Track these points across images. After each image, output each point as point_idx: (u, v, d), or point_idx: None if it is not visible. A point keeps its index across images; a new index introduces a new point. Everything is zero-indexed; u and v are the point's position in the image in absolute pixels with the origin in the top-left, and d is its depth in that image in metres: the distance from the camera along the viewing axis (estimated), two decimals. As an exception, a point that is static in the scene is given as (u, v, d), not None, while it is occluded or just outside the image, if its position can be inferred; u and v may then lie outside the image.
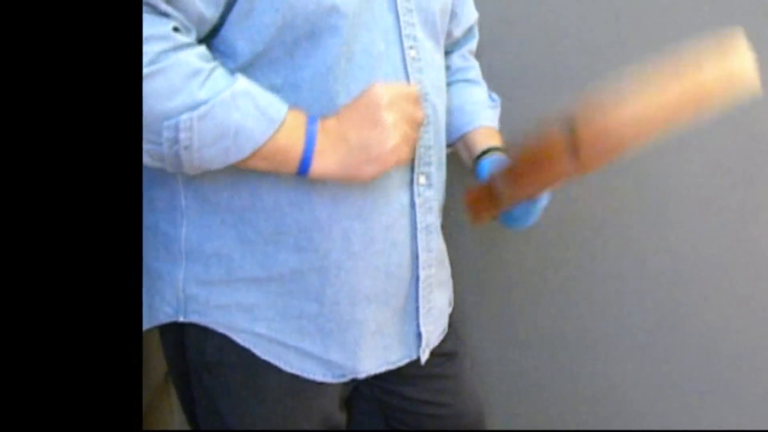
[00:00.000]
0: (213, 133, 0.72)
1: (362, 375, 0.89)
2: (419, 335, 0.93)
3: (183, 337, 0.88)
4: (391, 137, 0.77)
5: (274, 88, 0.77)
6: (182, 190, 0.83)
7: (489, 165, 0.96)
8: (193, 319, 0.84)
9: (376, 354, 0.89)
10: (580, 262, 1.36)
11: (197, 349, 0.86)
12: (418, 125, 0.82)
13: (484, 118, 1.03)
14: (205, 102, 0.71)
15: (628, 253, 1.36)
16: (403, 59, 0.85)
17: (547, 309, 1.39)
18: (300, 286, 0.83)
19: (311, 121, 0.77)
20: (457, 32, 1.05)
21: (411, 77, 0.85)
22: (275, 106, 0.75)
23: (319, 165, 0.77)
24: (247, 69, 0.77)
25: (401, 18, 0.85)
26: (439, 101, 0.90)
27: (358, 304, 0.85)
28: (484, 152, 0.99)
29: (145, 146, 0.72)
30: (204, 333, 0.85)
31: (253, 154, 0.74)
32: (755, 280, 1.35)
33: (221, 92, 0.72)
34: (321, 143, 0.77)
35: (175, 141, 0.71)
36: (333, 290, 0.84)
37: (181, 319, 0.84)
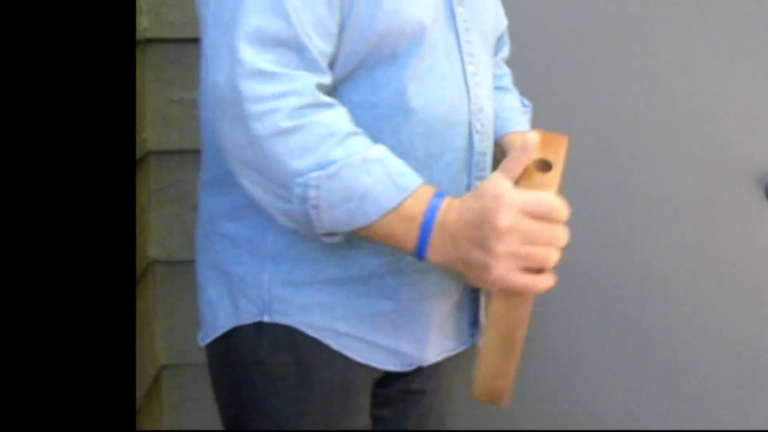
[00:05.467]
0: (340, 193, 0.74)
1: (426, 363, 0.95)
2: (473, 323, 1.00)
3: (229, 345, 0.91)
4: (494, 269, 0.74)
5: (352, 105, 0.81)
6: None
7: None
8: (277, 318, 0.88)
9: (438, 343, 0.96)
10: (566, 258, 1.37)
11: (250, 349, 0.89)
12: (549, 243, 0.74)
13: (517, 124, 1.09)
14: (334, 162, 0.74)
15: (615, 252, 1.36)
16: (464, 76, 0.90)
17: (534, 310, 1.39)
18: (377, 286, 0.89)
19: (431, 210, 0.76)
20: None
21: (471, 92, 0.90)
22: (407, 177, 0.77)
23: (432, 257, 0.77)
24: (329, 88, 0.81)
25: (461, 37, 0.90)
26: (491, 111, 0.96)
27: (427, 299, 0.91)
28: None
29: (278, 205, 0.76)
30: (258, 333, 0.88)
31: (379, 221, 0.76)
32: (752, 278, 1.36)
33: (353, 155, 0.75)
34: (434, 240, 0.77)
35: (305, 199, 0.74)
36: (407, 288, 0.90)
37: (266, 318, 0.88)
